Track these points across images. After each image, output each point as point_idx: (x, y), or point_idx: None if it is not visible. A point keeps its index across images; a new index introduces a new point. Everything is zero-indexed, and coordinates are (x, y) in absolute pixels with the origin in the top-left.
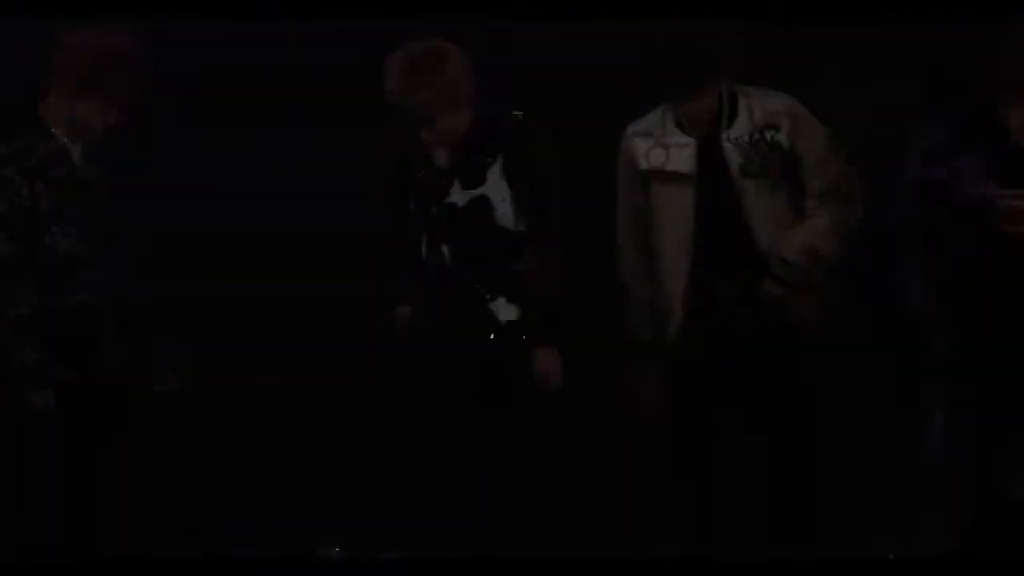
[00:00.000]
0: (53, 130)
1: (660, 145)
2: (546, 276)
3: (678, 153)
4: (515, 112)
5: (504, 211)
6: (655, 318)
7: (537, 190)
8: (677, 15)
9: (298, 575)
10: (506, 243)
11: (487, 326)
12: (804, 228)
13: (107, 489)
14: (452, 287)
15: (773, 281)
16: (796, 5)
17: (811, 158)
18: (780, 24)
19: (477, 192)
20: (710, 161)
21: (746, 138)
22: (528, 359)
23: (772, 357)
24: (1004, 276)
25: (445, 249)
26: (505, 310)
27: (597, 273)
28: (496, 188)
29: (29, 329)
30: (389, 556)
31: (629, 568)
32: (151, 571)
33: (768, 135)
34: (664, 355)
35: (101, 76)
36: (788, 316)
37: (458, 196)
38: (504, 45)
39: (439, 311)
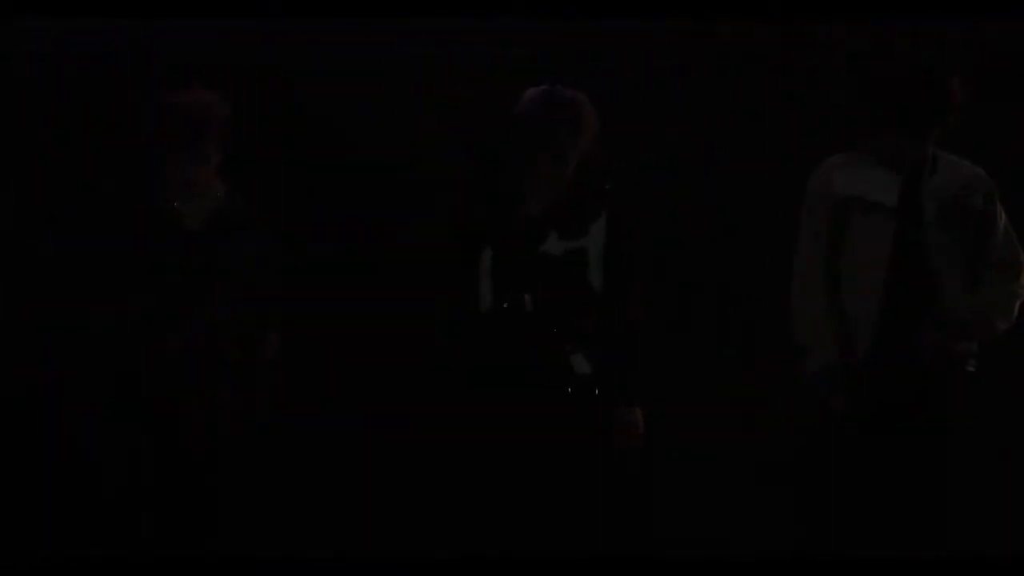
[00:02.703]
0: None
1: (863, 175)
2: (629, 337)
3: (882, 185)
4: (607, 185)
5: (595, 267)
6: (834, 343)
7: (629, 252)
8: (678, 15)
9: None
10: (590, 298)
11: (565, 378)
12: (984, 295)
13: None
14: (530, 337)
15: (938, 332)
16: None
17: (995, 229)
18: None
19: (576, 244)
20: (910, 202)
21: (944, 192)
22: (604, 416)
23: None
24: None
25: (528, 298)
26: (581, 364)
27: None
28: (595, 243)
29: None
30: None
31: (643, 567)
32: (152, 570)
33: (963, 197)
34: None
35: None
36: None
37: (554, 245)
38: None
39: (512, 360)
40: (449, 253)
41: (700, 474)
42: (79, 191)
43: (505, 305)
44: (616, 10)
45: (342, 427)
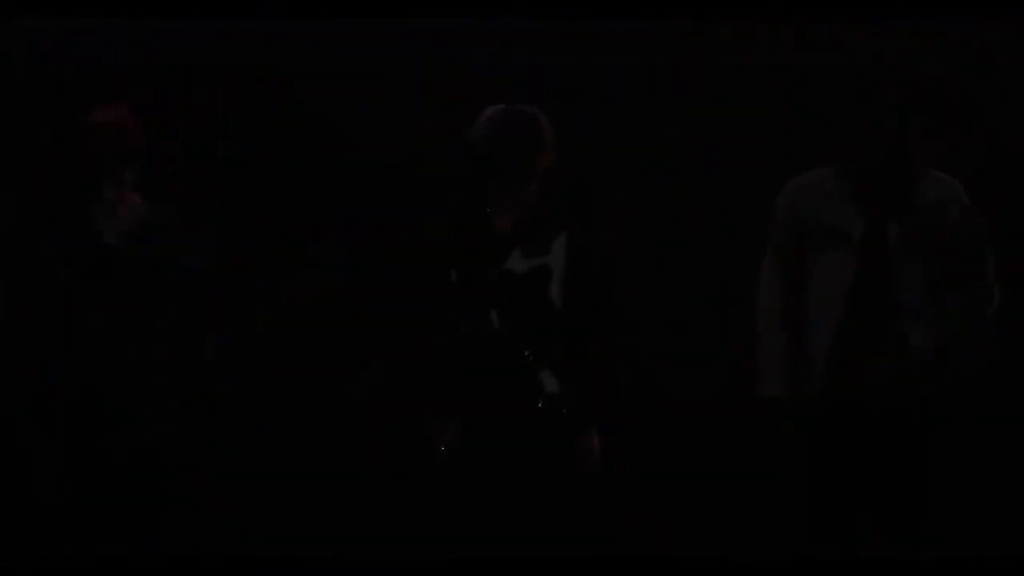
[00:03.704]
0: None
1: (828, 201)
2: (598, 359)
3: (848, 213)
4: (562, 203)
5: (557, 285)
6: (789, 369)
7: (594, 272)
8: (677, 15)
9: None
10: (555, 317)
11: (534, 395)
12: (944, 327)
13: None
14: (498, 354)
15: (891, 367)
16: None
17: (965, 254)
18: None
19: (539, 261)
20: (875, 227)
21: (914, 220)
22: (568, 436)
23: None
24: None
25: (495, 315)
26: (550, 381)
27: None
28: (557, 261)
29: None
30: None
31: (643, 567)
32: (152, 570)
33: (935, 222)
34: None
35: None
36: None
37: (518, 263)
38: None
39: (481, 376)
40: (431, 267)
41: (700, 474)
42: (79, 191)
43: (470, 324)
44: (616, 10)
45: (340, 427)
